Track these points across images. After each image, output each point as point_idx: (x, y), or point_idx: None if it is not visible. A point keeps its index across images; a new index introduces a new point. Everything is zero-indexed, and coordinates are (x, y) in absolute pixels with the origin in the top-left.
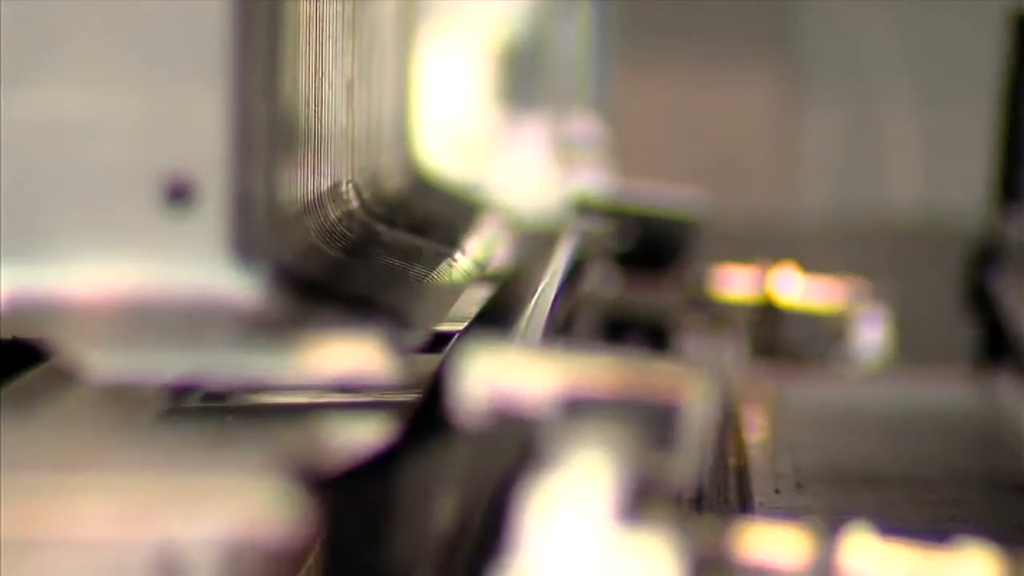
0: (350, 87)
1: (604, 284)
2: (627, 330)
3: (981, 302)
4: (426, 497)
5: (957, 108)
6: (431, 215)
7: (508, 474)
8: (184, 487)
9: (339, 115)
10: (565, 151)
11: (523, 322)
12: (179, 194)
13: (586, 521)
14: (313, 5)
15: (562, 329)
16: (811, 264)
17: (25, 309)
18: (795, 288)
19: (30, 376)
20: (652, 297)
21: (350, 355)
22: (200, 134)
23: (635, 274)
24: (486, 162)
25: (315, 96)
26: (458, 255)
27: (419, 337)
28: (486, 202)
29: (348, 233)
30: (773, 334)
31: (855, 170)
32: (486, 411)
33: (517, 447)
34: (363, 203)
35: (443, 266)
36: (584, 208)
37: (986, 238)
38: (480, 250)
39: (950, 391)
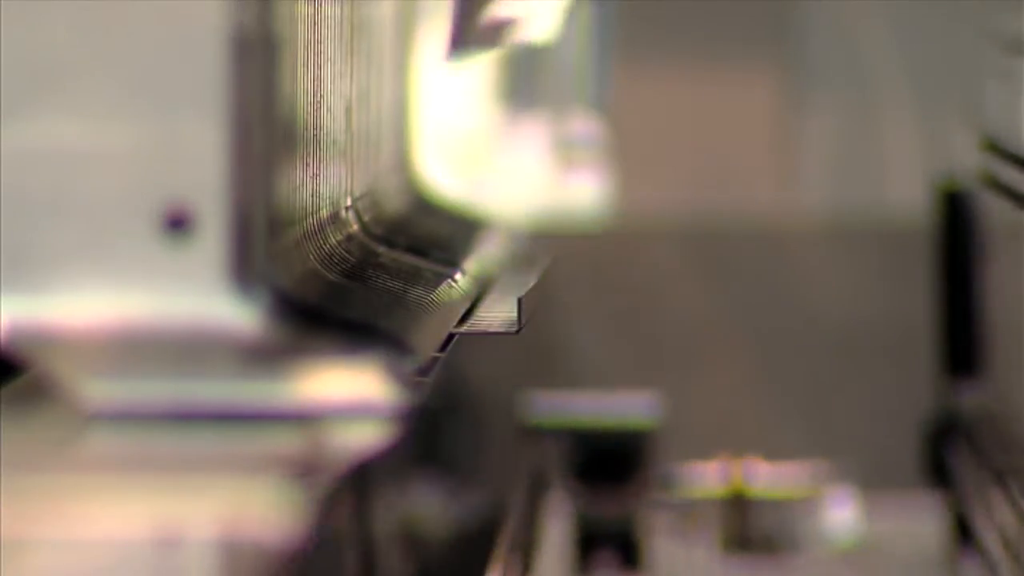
0: (349, 109)
1: (566, 504)
2: (597, 544)
3: (943, 480)
4: None
5: (957, 109)
6: (431, 234)
7: None
8: (183, 486)
9: (338, 137)
10: (565, 151)
11: None
12: (178, 223)
13: None
14: (311, 30)
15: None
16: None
17: (24, 338)
18: (761, 477)
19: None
20: (617, 507)
21: (349, 383)
22: (198, 163)
23: (596, 487)
24: (485, 163)
25: (314, 120)
26: (458, 275)
27: (418, 363)
28: (486, 219)
29: (348, 256)
30: (744, 526)
31: (854, 172)
32: None
33: None
34: (363, 225)
35: (443, 287)
36: (537, 431)
37: (941, 414)
38: (479, 268)
39: None
